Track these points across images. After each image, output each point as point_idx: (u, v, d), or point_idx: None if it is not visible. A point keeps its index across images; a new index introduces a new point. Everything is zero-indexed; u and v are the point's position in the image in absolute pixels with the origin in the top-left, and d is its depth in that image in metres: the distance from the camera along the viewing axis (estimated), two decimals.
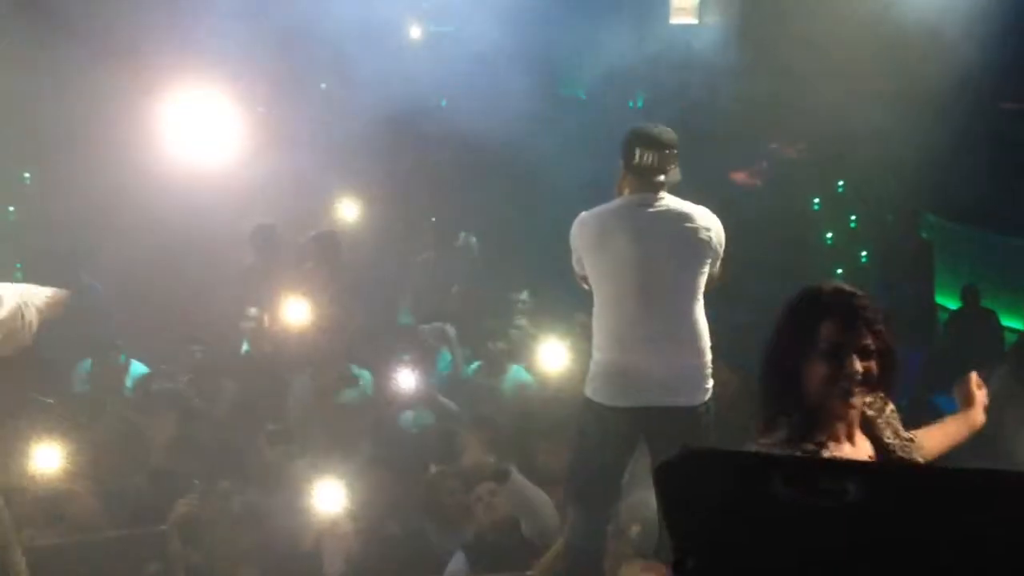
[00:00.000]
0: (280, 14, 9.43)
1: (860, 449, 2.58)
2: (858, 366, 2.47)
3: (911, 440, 2.68)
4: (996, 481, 1.64)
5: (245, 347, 7.18)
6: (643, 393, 4.24)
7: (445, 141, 11.41)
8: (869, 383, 2.50)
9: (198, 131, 8.94)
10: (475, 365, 6.89)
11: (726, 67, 10.88)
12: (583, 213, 4.47)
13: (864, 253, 9.81)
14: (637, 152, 4.35)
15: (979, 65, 8.94)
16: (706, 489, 1.62)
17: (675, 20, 11.77)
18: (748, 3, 11.52)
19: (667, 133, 4.42)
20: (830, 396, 2.49)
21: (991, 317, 8.23)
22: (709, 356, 4.34)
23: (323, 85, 11.31)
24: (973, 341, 7.68)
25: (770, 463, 1.70)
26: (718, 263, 4.42)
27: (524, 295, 7.53)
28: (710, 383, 4.34)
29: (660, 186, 4.35)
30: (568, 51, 12.34)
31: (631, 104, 11.77)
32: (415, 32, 12.05)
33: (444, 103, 12.08)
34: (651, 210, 4.34)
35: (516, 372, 6.64)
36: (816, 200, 10.28)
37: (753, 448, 2.51)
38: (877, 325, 2.50)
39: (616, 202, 4.43)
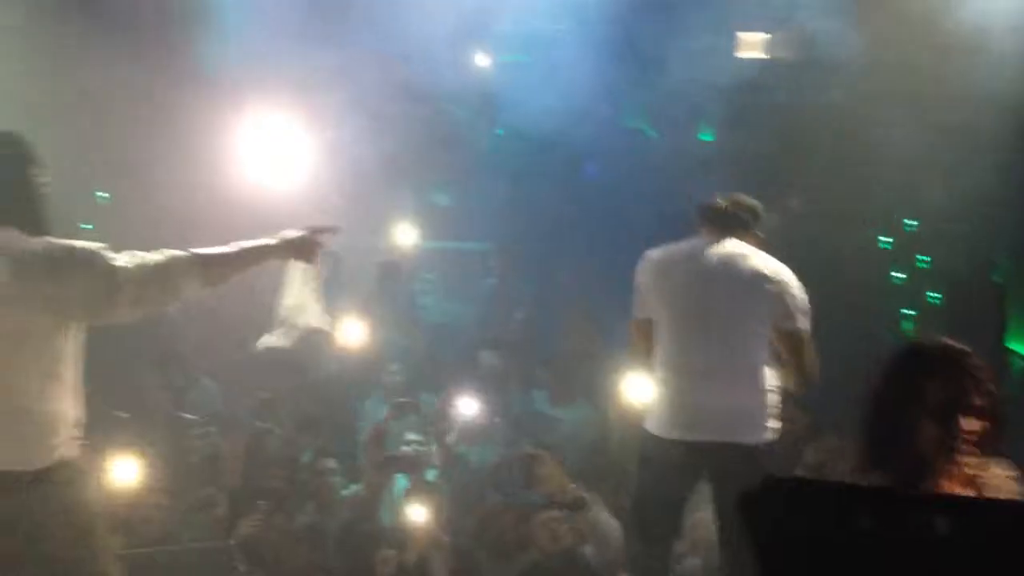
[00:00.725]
0: (350, 39, 9.61)
1: None
2: (967, 426, 2.44)
3: None
4: None
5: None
6: (700, 427, 4.28)
7: (506, 170, 11.52)
8: (977, 443, 2.47)
9: (270, 154, 9.13)
10: (540, 395, 6.89)
11: (793, 101, 10.84)
12: (650, 252, 4.59)
13: (934, 294, 9.65)
14: (713, 200, 4.57)
15: None
16: (793, 519, 1.62)
17: (743, 54, 11.75)
18: (815, 37, 11.47)
19: (749, 199, 4.61)
20: (937, 455, 2.46)
21: None
22: (772, 397, 4.32)
23: (388, 110, 11.48)
24: None
25: (859, 496, 1.69)
26: (794, 326, 4.37)
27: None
28: (773, 423, 4.32)
29: (730, 232, 4.48)
30: (635, 83, 12.39)
31: (699, 137, 11.76)
32: (483, 60, 12.18)
33: (501, 132, 12.20)
34: (718, 251, 4.44)
35: (582, 404, 6.64)
36: (886, 239, 10.15)
37: None
38: (986, 384, 2.48)
39: (684, 242, 4.57)
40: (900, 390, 2.51)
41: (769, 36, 11.65)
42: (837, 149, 10.05)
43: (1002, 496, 2.56)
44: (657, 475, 4.43)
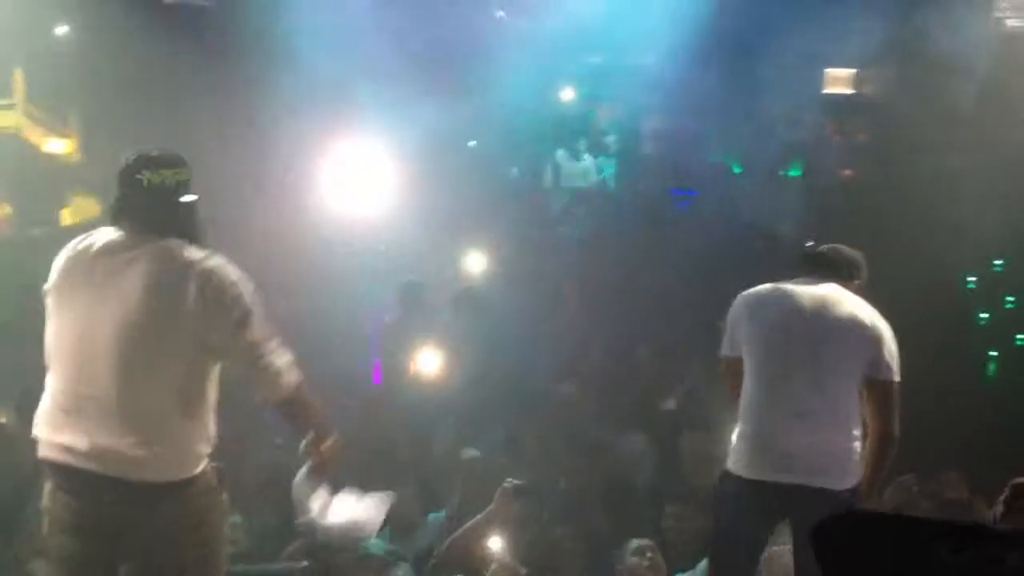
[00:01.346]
0: (436, 72, 9.79)
1: None
2: None
3: None
4: None
5: None
6: (785, 469, 4.19)
7: (589, 207, 11.60)
8: None
9: (355, 184, 9.35)
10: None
11: (881, 138, 10.72)
12: (744, 292, 4.57)
13: (1020, 336, 9.42)
14: (814, 247, 4.60)
15: None
16: (869, 554, 1.62)
17: (830, 90, 11.68)
18: (901, 75, 11.35)
19: (850, 250, 4.58)
20: None
21: None
22: (860, 442, 4.25)
23: (472, 143, 11.65)
24: None
25: (936, 530, 1.69)
26: (887, 377, 4.28)
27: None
28: (858, 469, 4.22)
29: (824, 274, 4.43)
30: (723, 121, 12.39)
31: (783, 173, 11.69)
32: (567, 95, 12.31)
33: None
34: (813, 293, 4.37)
35: (634, 434, 6.65)
36: (971, 278, 9.95)
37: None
38: None
39: (781, 284, 4.50)
40: None
41: (856, 72, 11.58)
42: (925, 188, 9.90)
43: None
44: (736, 515, 4.36)
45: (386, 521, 4.20)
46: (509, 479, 5.39)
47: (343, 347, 8.16)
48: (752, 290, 4.52)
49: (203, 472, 3.59)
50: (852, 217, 9.73)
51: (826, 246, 4.58)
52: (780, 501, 4.23)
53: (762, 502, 4.27)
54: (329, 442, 3.80)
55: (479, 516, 5.34)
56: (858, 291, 4.44)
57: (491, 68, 9.59)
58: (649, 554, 5.01)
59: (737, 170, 12.26)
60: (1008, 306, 9.83)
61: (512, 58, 9.67)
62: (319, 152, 9.57)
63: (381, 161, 9.43)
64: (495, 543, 4.98)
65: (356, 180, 9.35)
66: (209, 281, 3.48)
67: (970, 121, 10.17)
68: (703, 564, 4.84)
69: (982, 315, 9.78)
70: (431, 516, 5.87)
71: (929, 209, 9.56)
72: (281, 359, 3.60)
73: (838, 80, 11.63)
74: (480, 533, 5.18)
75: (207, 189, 3.76)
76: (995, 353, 9.58)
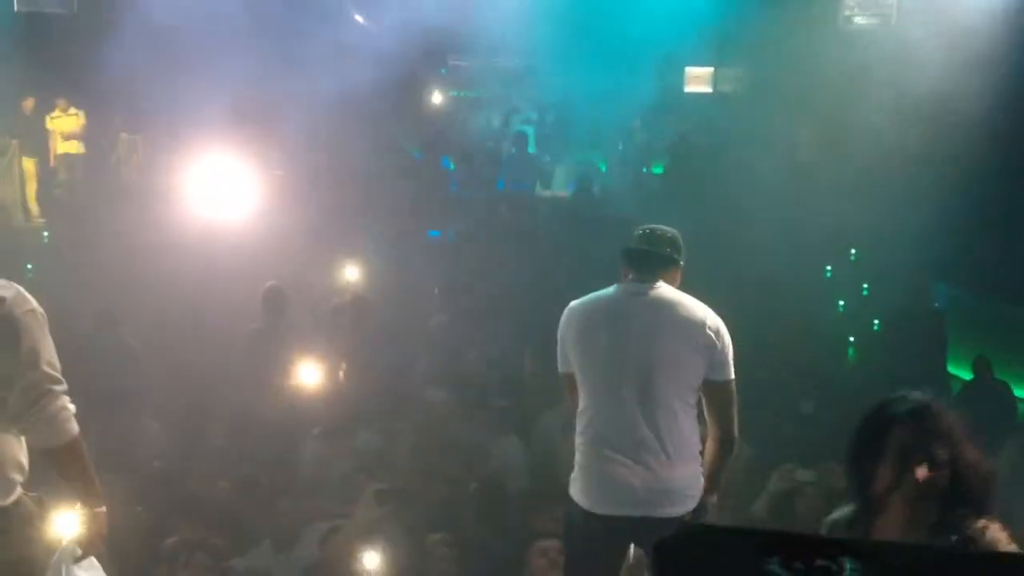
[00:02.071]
0: (301, 79, 9.66)
1: None
2: (922, 474, 2.53)
3: None
4: (989, 563, 1.68)
5: None
6: (624, 503, 3.93)
7: (459, 202, 11.61)
8: (938, 493, 2.56)
9: (219, 192, 9.14)
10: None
11: (736, 135, 11.03)
12: (572, 303, 4.19)
13: (876, 321, 9.81)
14: (631, 239, 4.18)
15: (996, 135, 9.05)
16: (704, 568, 1.66)
17: (690, 89, 11.99)
18: (757, 74, 11.72)
19: (666, 230, 4.22)
20: (892, 499, 2.59)
21: (1004, 389, 8.20)
22: (699, 462, 4.03)
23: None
24: (985, 413, 7.64)
25: (767, 541, 1.74)
26: (726, 377, 4.01)
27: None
28: (698, 490, 4.03)
29: (654, 276, 4.06)
30: (586, 118, 12.56)
31: (644, 170, 11.93)
32: (436, 97, 12.32)
33: (453, 167, 12.31)
34: (642, 299, 4.03)
35: (511, 438, 6.66)
36: (828, 268, 10.33)
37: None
38: (949, 436, 2.58)
39: (606, 290, 4.17)
40: (869, 437, 2.66)
41: (714, 70, 11.93)
42: (782, 182, 10.23)
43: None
44: (583, 546, 4.11)
45: None
46: (373, 486, 5.34)
47: (208, 355, 7.98)
48: (579, 303, 4.16)
49: (17, 502, 3.36)
50: (713, 212, 9.99)
51: (645, 229, 4.18)
52: (624, 532, 3.94)
53: (607, 534, 3.99)
54: (100, 509, 3.54)
55: (347, 525, 5.29)
56: (682, 274, 4.17)
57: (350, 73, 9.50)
58: (552, 555, 4.91)
59: (603, 168, 12.45)
60: (864, 293, 10.23)
61: (375, 62, 9.61)
62: (182, 156, 9.36)
63: (252, 167, 9.28)
64: (366, 552, 4.89)
65: (221, 184, 9.16)
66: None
67: (822, 116, 10.58)
68: None
69: (840, 302, 10.15)
70: (310, 527, 5.77)
71: (787, 202, 9.90)
72: (65, 404, 3.38)
73: (698, 79, 11.94)
74: (348, 541, 5.11)
75: None
76: (853, 339, 9.96)
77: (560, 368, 4.22)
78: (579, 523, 4.08)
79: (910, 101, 9.54)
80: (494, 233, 10.72)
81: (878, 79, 9.90)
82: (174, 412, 7.12)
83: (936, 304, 9.74)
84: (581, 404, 4.09)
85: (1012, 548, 2.62)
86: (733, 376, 4.02)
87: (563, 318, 4.18)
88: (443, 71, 12.79)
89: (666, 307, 4.01)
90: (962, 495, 2.58)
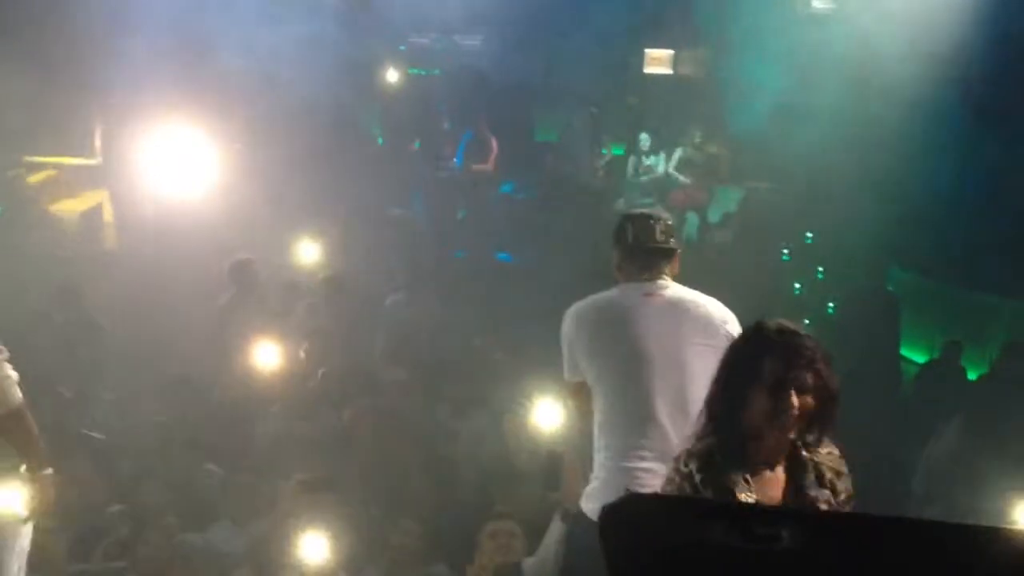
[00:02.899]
0: (260, 54, 9.56)
1: (775, 481, 2.72)
2: (796, 401, 2.61)
3: (838, 491, 2.75)
4: (927, 531, 1.71)
5: None
6: None
7: (417, 183, 11.57)
8: (805, 418, 2.65)
9: (178, 167, 9.05)
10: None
11: (696, 117, 11.08)
12: (576, 305, 3.91)
13: (831, 304, 9.92)
14: (630, 230, 3.90)
15: (952, 121, 9.17)
16: (647, 534, 1.68)
17: (649, 70, 11.99)
18: (716, 55, 11.76)
19: (666, 217, 4.01)
20: (768, 427, 2.65)
21: (960, 372, 8.33)
22: None
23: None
24: (941, 396, 7.75)
25: (709, 509, 1.77)
26: None
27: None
28: None
29: (660, 272, 3.84)
30: (544, 97, 12.54)
31: (604, 151, 11.94)
32: (392, 75, 12.22)
33: (418, 144, 12.24)
34: (658, 300, 3.79)
35: (478, 418, 6.66)
36: (786, 250, 10.42)
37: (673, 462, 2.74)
38: (817, 363, 2.65)
39: (614, 292, 3.90)
40: (740, 366, 2.70)
41: (674, 53, 11.94)
42: (743, 163, 10.33)
43: (821, 484, 2.73)
44: (588, 562, 3.75)
45: None
46: (297, 474, 5.26)
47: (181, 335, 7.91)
48: (586, 306, 3.89)
49: None
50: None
51: (651, 220, 3.92)
52: None
53: None
54: (47, 472, 3.62)
55: (274, 513, 5.23)
56: (679, 260, 3.94)
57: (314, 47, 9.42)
58: (503, 539, 4.86)
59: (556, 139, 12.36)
60: (819, 276, 10.33)
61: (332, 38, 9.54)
62: (138, 136, 9.23)
63: (207, 143, 9.18)
64: (305, 543, 4.79)
65: (180, 163, 9.07)
66: None
67: (781, 100, 10.65)
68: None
69: (795, 285, 10.24)
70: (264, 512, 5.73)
71: (743, 184, 9.98)
72: (8, 372, 3.44)
73: (658, 60, 11.96)
74: (278, 532, 5.04)
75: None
76: (808, 321, 10.06)
77: (568, 376, 3.93)
78: (583, 536, 3.65)
79: (869, 86, 9.63)
80: (454, 211, 10.71)
81: (837, 63, 9.98)
82: (128, 385, 7.06)
83: (890, 288, 9.87)
84: (601, 416, 3.78)
85: (843, 462, 2.79)
86: None
87: (569, 323, 3.88)
88: (401, 48, 12.69)
89: (686, 309, 3.78)
90: (816, 420, 2.68)
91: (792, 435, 2.68)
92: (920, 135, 9.20)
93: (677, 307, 3.79)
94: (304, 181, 9.97)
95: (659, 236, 3.89)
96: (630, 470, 3.65)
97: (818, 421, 2.69)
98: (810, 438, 2.73)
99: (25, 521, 3.59)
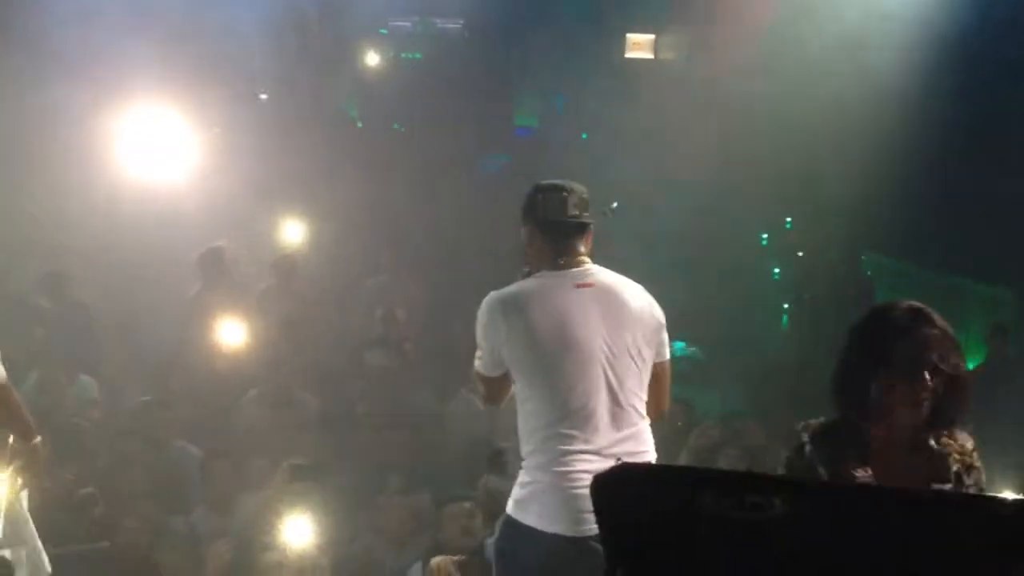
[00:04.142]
0: (237, 36, 9.50)
1: (898, 470, 2.59)
2: (927, 382, 2.51)
3: (965, 484, 2.62)
4: (917, 500, 1.74)
5: None
6: (590, 518, 3.10)
7: (401, 165, 11.52)
8: (933, 403, 2.54)
9: (152, 150, 8.96)
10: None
11: (676, 102, 11.06)
12: (494, 294, 3.63)
13: (809, 288, 10.00)
14: (541, 203, 3.67)
15: (927, 107, 9.22)
16: (639, 503, 1.70)
17: (631, 55, 11.98)
18: (699, 40, 11.76)
19: (579, 187, 3.73)
20: (900, 410, 2.54)
21: None
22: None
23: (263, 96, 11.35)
24: None
25: (700, 478, 1.79)
26: (665, 356, 3.71)
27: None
28: None
29: (578, 251, 3.64)
30: (525, 81, 12.52)
31: (584, 136, 11.93)
32: (372, 59, 12.17)
33: (397, 126, 12.21)
34: (590, 291, 3.59)
35: (463, 397, 6.67)
36: (764, 236, 10.48)
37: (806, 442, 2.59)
38: (947, 346, 2.55)
39: (539, 280, 3.65)
40: (867, 350, 2.57)
41: (655, 37, 11.92)
42: (717, 150, 10.33)
43: (962, 467, 2.61)
44: (528, 573, 3.53)
45: None
46: (288, 460, 5.25)
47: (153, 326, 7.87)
48: (509, 295, 3.63)
49: None
50: (648, 177, 10.07)
51: (563, 191, 3.67)
52: (584, 554, 3.36)
53: (563, 558, 3.42)
54: (36, 441, 3.68)
55: (260, 498, 5.22)
56: (592, 235, 3.72)
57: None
58: (463, 520, 4.85)
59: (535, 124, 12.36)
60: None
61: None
62: (114, 119, 9.15)
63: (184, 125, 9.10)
64: (289, 529, 4.77)
65: (156, 145, 8.98)
66: None
67: (764, 85, 10.67)
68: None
69: (774, 270, 10.30)
70: (245, 493, 5.73)
71: (723, 168, 10.01)
72: None
73: (639, 45, 11.94)
74: (265, 516, 5.03)
75: None
76: (786, 306, 10.14)
77: (487, 370, 3.69)
78: (525, 549, 3.51)
79: (848, 74, 9.66)
80: (435, 194, 10.68)
81: (816, 51, 10.01)
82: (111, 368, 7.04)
83: (868, 272, 9.96)
84: (532, 416, 3.56)
85: (974, 457, 2.66)
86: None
87: (489, 313, 3.62)
88: (382, 31, 12.63)
89: (615, 296, 3.61)
90: (946, 406, 2.58)
91: (922, 421, 2.56)
92: (898, 121, 9.25)
93: (613, 298, 3.61)
94: (281, 164, 9.93)
95: (572, 210, 3.65)
96: (567, 473, 3.45)
97: (947, 408, 2.57)
98: (939, 426, 2.61)
99: (20, 489, 3.64)
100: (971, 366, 8.15)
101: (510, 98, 12.80)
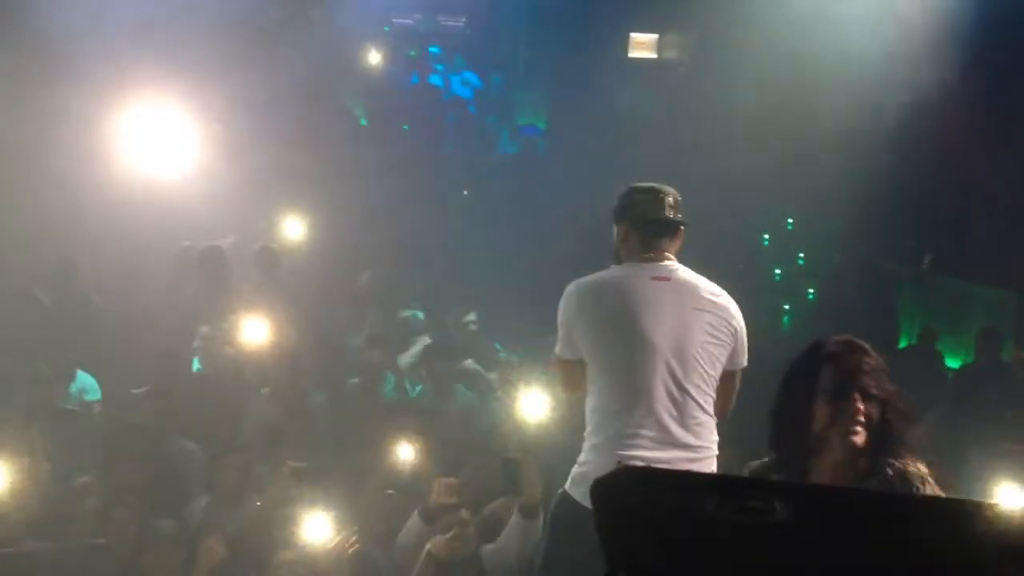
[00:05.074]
0: (240, 30, 9.49)
1: None
2: (861, 406, 2.58)
3: None
4: (916, 505, 1.72)
5: (196, 365, 7.13)
6: None
7: (406, 163, 11.53)
8: (871, 425, 2.61)
9: (155, 146, 8.95)
10: (419, 388, 6.88)
11: (680, 102, 11.07)
12: (576, 283, 3.77)
13: (810, 290, 9.98)
14: (638, 202, 3.78)
15: (926, 111, 9.22)
16: (640, 506, 1.68)
17: (634, 54, 11.97)
18: (703, 40, 11.75)
19: (672, 189, 3.85)
20: (829, 432, 2.61)
21: (938, 358, 8.41)
22: (715, 462, 3.75)
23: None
24: (918, 380, 7.83)
25: (702, 482, 1.77)
26: (738, 362, 3.76)
27: (471, 316, 7.58)
28: None
29: (664, 249, 3.73)
30: (529, 82, 12.51)
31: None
32: (375, 58, 12.16)
33: (407, 128, 12.21)
34: (667, 285, 3.68)
35: (462, 393, 6.65)
36: (766, 236, 10.46)
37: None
38: (879, 372, 2.64)
39: (618, 271, 3.79)
40: (801, 379, 2.67)
41: (658, 37, 11.92)
42: (724, 150, 10.33)
43: (924, 487, 2.64)
44: (573, 548, 3.53)
45: None
46: (289, 462, 5.22)
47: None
48: (589, 284, 3.76)
49: None
50: (651, 177, 10.05)
51: (661, 193, 3.78)
52: None
53: None
54: None
55: (260, 500, 5.20)
56: (683, 237, 3.83)
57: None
58: (456, 529, 4.75)
59: (540, 127, 12.37)
60: (800, 262, 10.39)
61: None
62: (118, 113, 9.15)
63: (189, 121, 9.10)
64: (287, 530, 4.75)
65: (162, 141, 8.98)
66: None
67: (767, 85, 10.66)
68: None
69: (776, 271, 10.29)
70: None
71: (726, 170, 9.99)
72: None
73: (642, 44, 11.93)
74: (262, 518, 5.03)
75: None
76: (788, 307, 10.12)
77: (564, 354, 3.81)
78: (571, 520, 3.60)
79: (851, 75, 9.65)
80: (437, 194, 10.69)
81: (823, 50, 10.01)
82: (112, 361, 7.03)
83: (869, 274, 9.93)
84: (597, 399, 3.69)
85: (932, 481, 2.70)
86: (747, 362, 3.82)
87: (570, 301, 3.75)
88: (386, 28, 12.63)
89: (691, 293, 3.68)
90: (888, 431, 2.64)
91: (860, 444, 2.60)
92: (898, 125, 9.25)
93: (687, 294, 3.68)
94: (284, 161, 9.93)
95: (667, 211, 3.76)
96: (623, 458, 3.54)
97: (888, 433, 2.63)
98: (882, 453, 2.65)
99: None
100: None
101: (513, 98, 12.81)
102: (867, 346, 2.67)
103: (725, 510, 1.65)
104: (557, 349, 3.86)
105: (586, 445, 3.73)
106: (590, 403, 3.73)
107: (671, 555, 1.65)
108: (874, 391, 2.60)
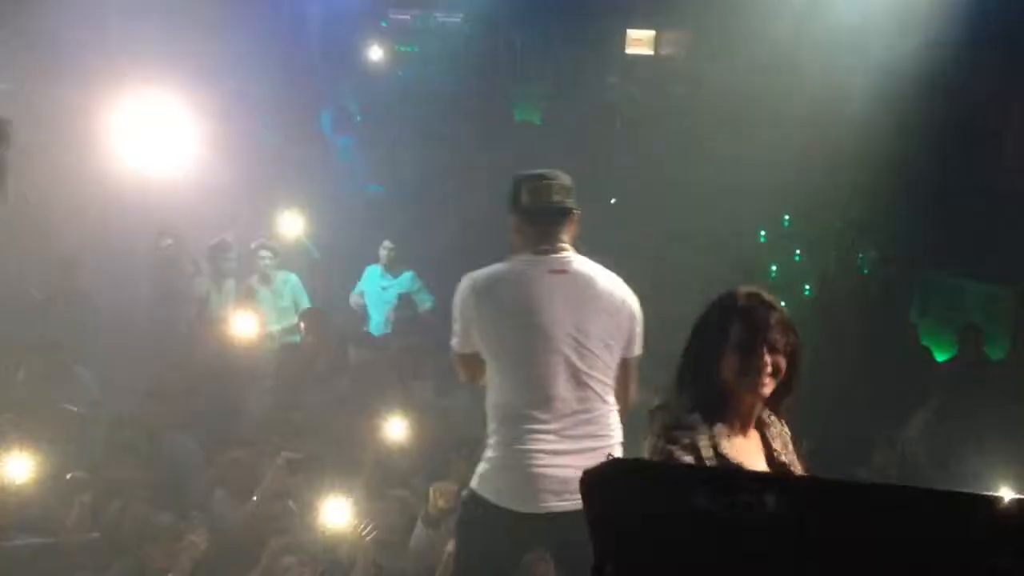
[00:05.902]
0: (239, 26, 9.48)
1: (752, 443, 2.73)
2: (767, 359, 2.64)
3: (792, 462, 2.80)
4: (907, 497, 1.72)
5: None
6: (545, 496, 3.55)
7: (401, 158, 11.53)
8: (777, 377, 2.67)
9: (154, 141, 8.94)
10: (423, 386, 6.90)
11: (676, 99, 11.07)
12: (470, 275, 3.74)
13: (807, 287, 9.99)
14: (524, 191, 3.72)
15: (923, 108, 9.22)
16: (630, 499, 1.68)
17: (631, 51, 11.98)
18: (700, 36, 11.76)
19: (562, 176, 3.78)
20: (740, 385, 2.67)
21: (926, 354, 8.42)
22: (621, 450, 3.72)
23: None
24: (908, 376, 7.84)
25: (693, 475, 1.77)
26: (634, 350, 3.77)
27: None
28: None
29: (560, 239, 3.70)
30: (524, 77, 12.49)
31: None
32: (376, 53, 12.14)
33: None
34: (564, 278, 3.67)
35: (462, 392, 6.64)
36: (762, 233, 10.46)
37: (657, 429, 2.66)
38: (786, 323, 2.69)
39: (513, 263, 3.74)
40: (711, 329, 2.72)
41: (655, 33, 11.92)
42: (720, 146, 10.33)
43: (785, 452, 2.77)
44: (484, 546, 3.71)
45: None
46: (284, 453, 5.22)
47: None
48: (484, 277, 3.72)
49: None
50: (648, 174, 10.06)
51: (542, 180, 3.73)
52: (538, 529, 3.60)
53: (518, 532, 3.62)
54: None
55: (256, 493, 5.18)
56: (578, 225, 3.78)
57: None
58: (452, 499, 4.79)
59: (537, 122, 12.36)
60: (796, 259, 10.39)
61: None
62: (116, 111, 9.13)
63: (184, 118, 9.08)
64: (281, 524, 4.78)
65: (157, 138, 8.96)
66: None
67: (763, 82, 10.67)
68: None
69: (772, 268, 10.29)
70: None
71: (723, 166, 10.00)
72: None
73: (639, 41, 11.93)
74: (259, 512, 5.04)
75: None
76: (785, 303, 10.11)
77: (459, 347, 3.78)
78: (482, 520, 3.68)
79: (848, 72, 9.67)
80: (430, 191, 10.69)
81: (819, 46, 10.01)
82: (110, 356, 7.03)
83: (866, 271, 9.94)
84: (497, 394, 3.70)
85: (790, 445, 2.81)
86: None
87: (466, 295, 3.72)
88: (384, 24, 12.61)
89: (588, 285, 3.69)
90: (789, 384, 2.72)
91: (767, 395, 2.70)
92: (895, 121, 9.25)
93: (584, 286, 3.69)
94: (279, 157, 9.92)
95: (555, 196, 3.72)
96: (524, 451, 3.60)
97: (787, 387, 2.72)
98: (774, 402, 2.77)
99: None
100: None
101: (510, 93, 12.79)
102: (774, 300, 2.72)
103: (716, 504, 1.65)
104: (455, 343, 3.81)
105: (490, 442, 3.72)
106: (491, 399, 3.73)
107: (659, 549, 1.65)
108: (778, 345, 2.66)
